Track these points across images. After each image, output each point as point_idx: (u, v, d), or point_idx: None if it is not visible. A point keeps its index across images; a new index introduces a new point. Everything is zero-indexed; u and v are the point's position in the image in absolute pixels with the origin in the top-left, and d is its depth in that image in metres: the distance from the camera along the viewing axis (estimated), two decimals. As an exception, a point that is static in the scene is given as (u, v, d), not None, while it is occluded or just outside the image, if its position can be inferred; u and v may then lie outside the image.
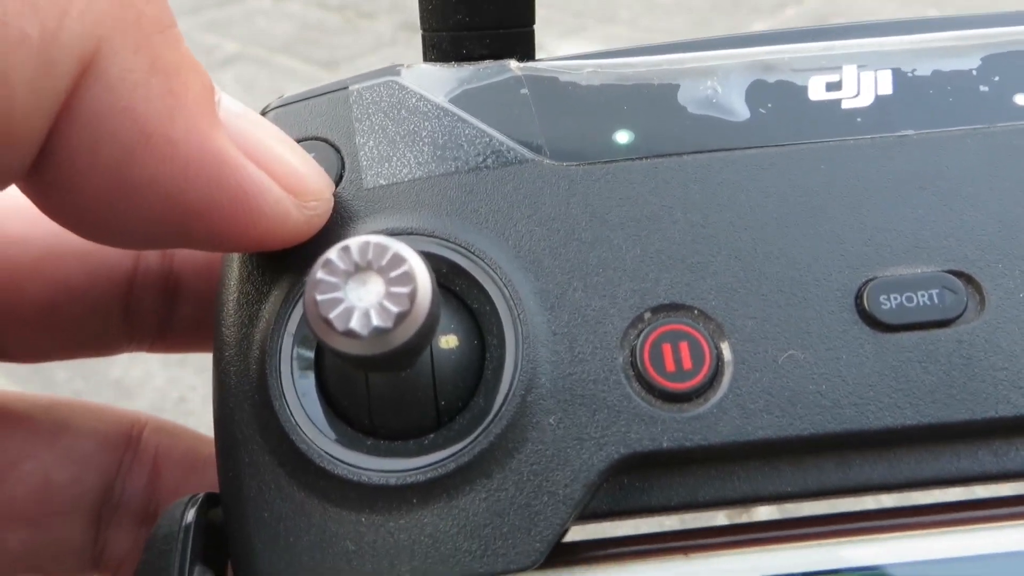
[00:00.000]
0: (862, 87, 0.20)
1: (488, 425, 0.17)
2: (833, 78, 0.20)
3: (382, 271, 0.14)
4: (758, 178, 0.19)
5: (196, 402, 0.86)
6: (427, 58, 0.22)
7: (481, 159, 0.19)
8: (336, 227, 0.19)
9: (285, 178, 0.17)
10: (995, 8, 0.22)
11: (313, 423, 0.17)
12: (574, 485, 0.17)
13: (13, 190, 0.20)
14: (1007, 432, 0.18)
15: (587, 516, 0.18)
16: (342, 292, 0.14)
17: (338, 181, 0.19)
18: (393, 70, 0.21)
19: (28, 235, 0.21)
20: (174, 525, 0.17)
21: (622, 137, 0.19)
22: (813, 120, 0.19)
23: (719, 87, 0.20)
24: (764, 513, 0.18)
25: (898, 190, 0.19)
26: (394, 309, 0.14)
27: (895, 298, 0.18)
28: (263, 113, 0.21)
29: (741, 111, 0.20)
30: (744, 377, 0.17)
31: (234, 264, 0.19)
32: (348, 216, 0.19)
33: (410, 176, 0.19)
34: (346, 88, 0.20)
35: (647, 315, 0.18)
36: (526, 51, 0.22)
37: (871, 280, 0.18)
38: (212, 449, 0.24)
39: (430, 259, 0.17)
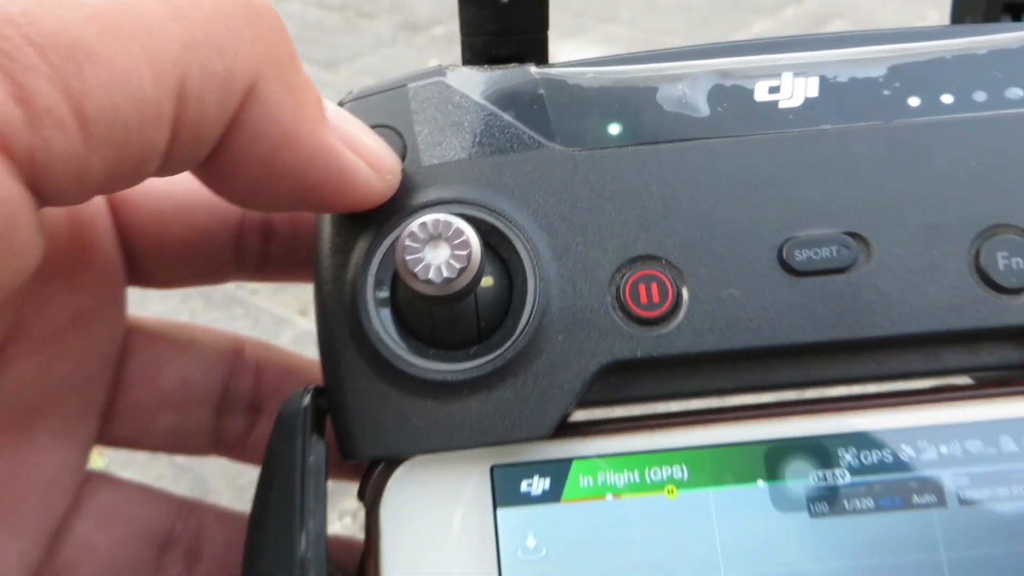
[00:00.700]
0: (795, 91, 0.26)
1: (515, 340, 0.23)
2: (775, 83, 0.26)
3: (448, 239, 0.21)
4: (713, 161, 0.25)
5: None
6: (465, 58, 0.28)
7: (509, 144, 0.25)
8: (403, 196, 0.25)
9: (370, 159, 0.23)
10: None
11: (391, 337, 0.24)
12: (575, 381, 0.23)
13: None
14: (882, 346, 0.24)
15: (583, 403, 0.24)
16: (422, 253, 0.21)
17: (401, 159, 0.26)
18: (440, 71, 0.27)
19: (171, 191, 0.27)
20: (296, 407, 0.24)
21: (614, 129, 0.25)
22: (756, 117, 0.25)
23: (688, 90, 0.26)
24: (705, 404, 0.25)
25: (814, 171, 0.25)
26: (457, 265, 0.21)
27: (806, 252, 0.24)
28: (340, 104, 0.27)
29: (703, 109, 0.26)
30: (696, 308, 0.24)
31: (327, 222, 0.26)
32: (411, 188, 0.25)
33: (456, 157, 0.25)
34: (405, 86, 0.26)
35: (628, 263, 0.24)
36: (542, 51, 0.28)
37: (789, 239, 0.24)
38: (299, 360, 0.31)
39: (474, 221, 0.24)
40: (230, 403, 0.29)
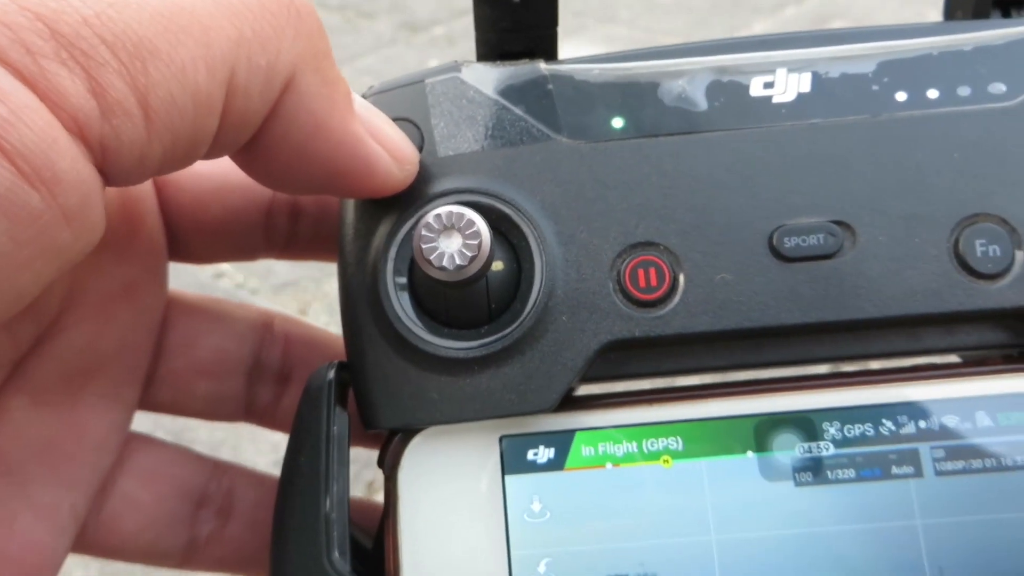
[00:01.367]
0: (788, 86, 0.27)
1: (523, 320, 0.25)
2: (769, 79, 0.27)
3: (460, 229, 0.23)
4: (710, 153, 0.26)
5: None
6: (479, 53, 0.30)
7: (519, 137, 0.27)
8: (420, 185, 0.26)
9: (392, 150, 0.25)
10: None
11: (409, 317, 0.26)
12: (578, 359, 0.25)
13: None
14: (865, 327, 0.26)
15: (586, 379, 0.26)
16: (437, 242, 0.23)
17: (419, 151, 0.27)
18: (455, 67, 0.28)
19: (210, 172, 0.29)
20: (322, 381, 0.26)
21: (617, 122, 0.27)
22: (751, 111, 0.26)
23: (687, 85, 0.27)
24: (699, 380, 0.27)
25: (804, 163, 0.26)
26: (468, 254, 0.23)
27: (795, 239, 0.25)
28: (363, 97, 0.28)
29: (702, 103, 0.27)
30: (691, 291, 0.25)
31: (350, 209, 0.28)
32: (428, 177, 0.27)
33: (470, 149, 0.27)
34: (423, 82, 0.28)
35: (629, 249, 0.26)
36: (551, 46, 0.29)
37: (780, 227, 0.25)
38: (324, 334, 0.33)
39: (486, 210, 0.26)
40: (261, 372, 0.31)
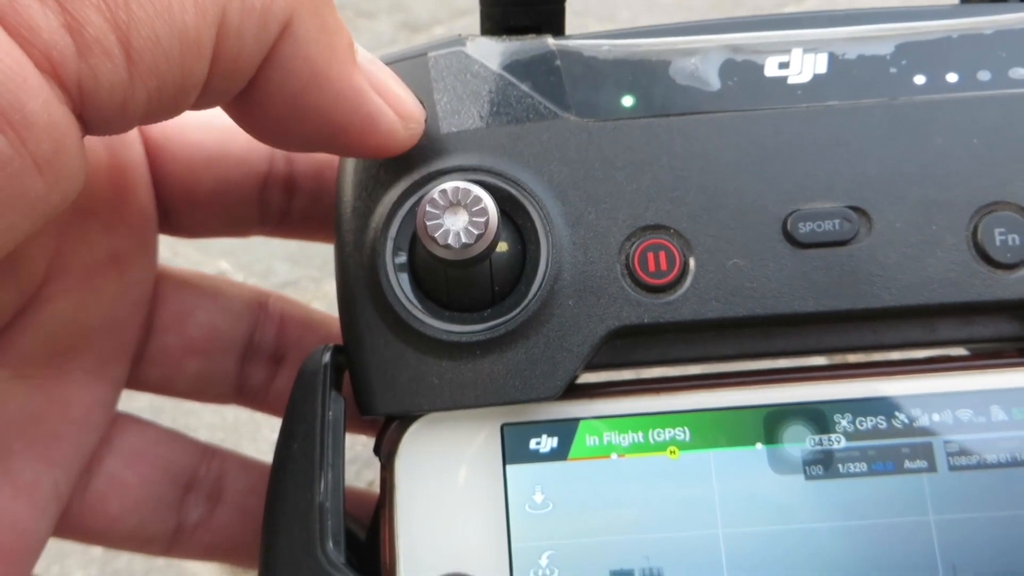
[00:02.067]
0: (804, 67, 0.26)
1: (527, 304, 0.24)
2: (784, 59, 0.26)
3: (467, 206, 0.22)
4: (722, 135, 0.25)
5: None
6: (483, 27, 0.29)
7: (525, 114, 0.26)
8: (422, 162, 0.25)
9: (396, 106, 0.23)
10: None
11: (409, 299, 0.25)
12: (584, 345, 0.24)
13: (190, 118, 0.28)
14: (880, 317, 0.25)
15: (591, 367, 0.25)
16: (442, 219, 0.22)
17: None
18: (460, 41, 0.27)
19: (203, 142, 0.28)
20: (317, 364, 0.25)
21: (627, 101, 0.26)
22: (766, 91, 0.26)
23: (699, 64, 0.26)
24: (707, 369, 0.26)
25: (819, 146, 0.25)
26: (475, 232, 0.22)
27: (809, 224, 0.25)
28: None
29: (714, 83, 0.26)
30: (702, 276, 0.25)
31: (347, 185, 0.27)
32: (430, 154, 0.26)
33: (474, 126, 0.26)
34: (425, 55, 0.27)
35: (638, 232, 0.25)
36: (559, 21, 0.28)
37: (794, 211, 0.25)
38: (320, 316, 0.32)
39: (490, 189, 0.25)
40: (254, 353, 0.31)
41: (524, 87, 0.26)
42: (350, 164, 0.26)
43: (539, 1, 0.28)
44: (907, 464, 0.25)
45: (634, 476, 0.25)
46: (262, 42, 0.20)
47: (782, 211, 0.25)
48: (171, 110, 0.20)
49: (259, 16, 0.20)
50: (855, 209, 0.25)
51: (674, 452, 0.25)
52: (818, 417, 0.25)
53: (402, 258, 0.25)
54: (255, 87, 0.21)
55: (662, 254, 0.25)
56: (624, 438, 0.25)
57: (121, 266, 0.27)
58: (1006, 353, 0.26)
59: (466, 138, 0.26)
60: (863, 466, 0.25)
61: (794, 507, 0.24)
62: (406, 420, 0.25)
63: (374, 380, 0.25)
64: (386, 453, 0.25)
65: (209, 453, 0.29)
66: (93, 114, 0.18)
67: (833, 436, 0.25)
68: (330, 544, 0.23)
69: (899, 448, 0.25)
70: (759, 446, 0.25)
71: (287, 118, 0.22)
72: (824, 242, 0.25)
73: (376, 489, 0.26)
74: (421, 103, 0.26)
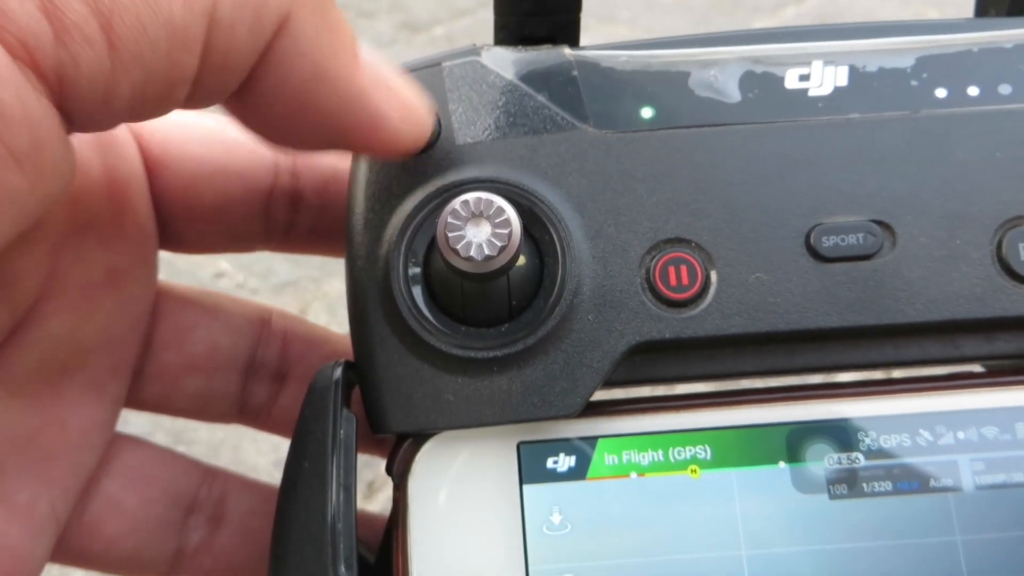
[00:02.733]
0: (824, 79, 0.26)
1: (546, 319, 0.24)
2: (805, 71, 0.26)
3: (490, 218, 0.22)
4: (744, 147, 0.25)
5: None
6: (497, 38, 0.28)
7: (542, 125, 0.25)
8: (437, 173, 0.25)
9: (403, 105, 0.23)
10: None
11: (424, 313, 0.24)
12: (603, 361, 0.24)
13: (192, 131, 0.27)
14: (904, 333, 0.25)
15: (610, 383, 0.25)
16: (464, 231, 0.22)
17: (436, 138, 0.25)
18: (475, 51, 0.27)
19: (205, 156, 0.27)
20: (327, 380, 0.24)
21: (646, 112, 0.25)
22: (787, 104, 0.25)
23: (719, 75, 0.26)
24: (729, 386, 0.25)
25: (841, 159, 0.25)
26: (498, 243, 0.21)
27: (833, 238, 0.24)
28: None
29: (735, 95, 0.26)
30: (724, 291, 0.24)
31: (360, 197, 0.26)
32: (445, 166, 0.25)
33: (490, 137, 0.25)
34: (439, 65, 0.26)
35: (659, 245, 0.24)
36: (574, 32, 0.28)
37: (817, 225, 0.24)
38: (324, 332, 0.31)
39: (509, 201, 0.24)
40: (257, 370, 0.30)
41: (541, 98, 0.26)
42: (362, 175, 0.26)
43: (555, 11, 0.27)
44: (933, 483, 0.24)
45: (655, 496, 0.24)
46: (257, 37, 0.19)
47: (805, 224, 0.24)
48: (159, 106, 0.19)
49: (254, 10, 0.19)
50: (879, 223, 0.24)
51: (695, 471, 0.24)
52: (842, 435, 0.25)
53: (416, 271, 0.24)
54: (254, 85, 0.20)
55: (683, 268, 0.24)
56: (644, 457, 0.24)
57: (119, 282, 0.26)
58: (1029, 370, 0.26)
59: (482, 149, 0.25)
60: (888, 485, 0.24)
61: (819, 527, 0.24)
62: (419, 438, 0.25)
63: (387, 397, 0.24)
64: (399, 473, 0.24)
65: (211, 474, 0.29)
66: (74, 105, 0.17)
67: (857, 454, 0.24)
68: (342, 568, 0.22)
69: (924, 467, 0.24)
70: (782, 464, 0.24)
71: (289, 118, 0.21)
72: (848, 256, 0.24)
73: (378, 492, 0.25)
74: (435, 114, 0.25)
